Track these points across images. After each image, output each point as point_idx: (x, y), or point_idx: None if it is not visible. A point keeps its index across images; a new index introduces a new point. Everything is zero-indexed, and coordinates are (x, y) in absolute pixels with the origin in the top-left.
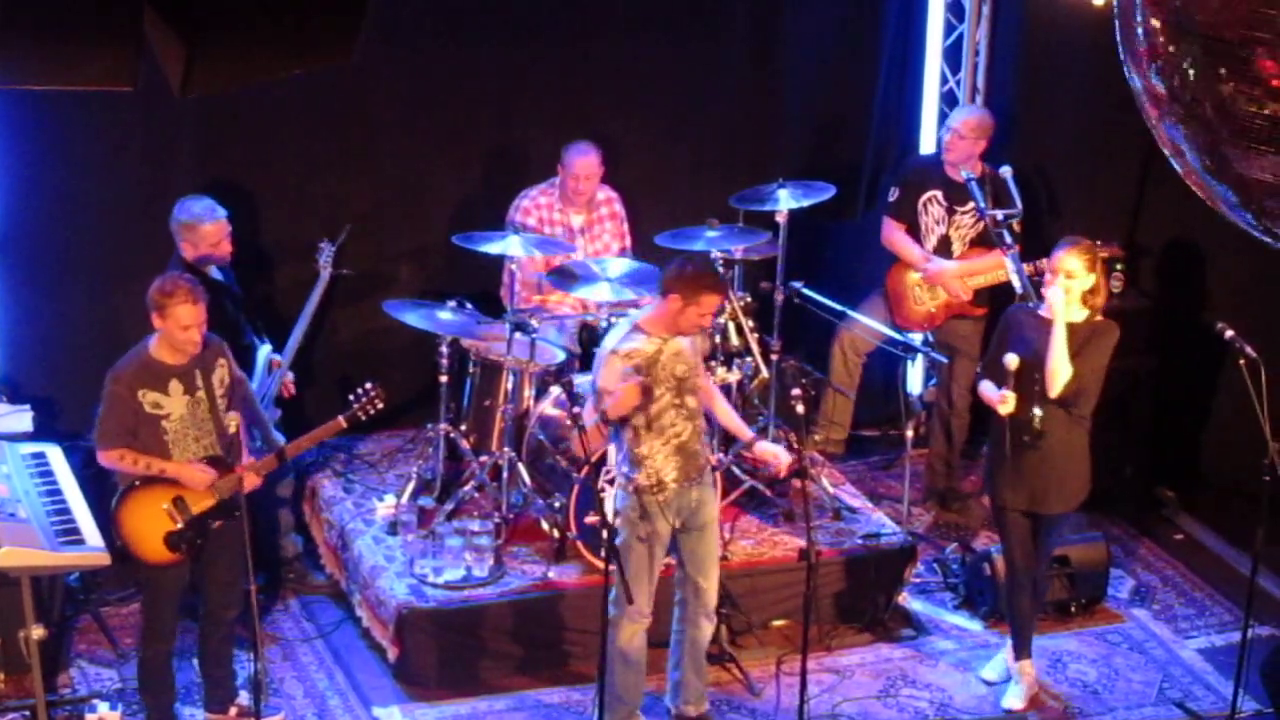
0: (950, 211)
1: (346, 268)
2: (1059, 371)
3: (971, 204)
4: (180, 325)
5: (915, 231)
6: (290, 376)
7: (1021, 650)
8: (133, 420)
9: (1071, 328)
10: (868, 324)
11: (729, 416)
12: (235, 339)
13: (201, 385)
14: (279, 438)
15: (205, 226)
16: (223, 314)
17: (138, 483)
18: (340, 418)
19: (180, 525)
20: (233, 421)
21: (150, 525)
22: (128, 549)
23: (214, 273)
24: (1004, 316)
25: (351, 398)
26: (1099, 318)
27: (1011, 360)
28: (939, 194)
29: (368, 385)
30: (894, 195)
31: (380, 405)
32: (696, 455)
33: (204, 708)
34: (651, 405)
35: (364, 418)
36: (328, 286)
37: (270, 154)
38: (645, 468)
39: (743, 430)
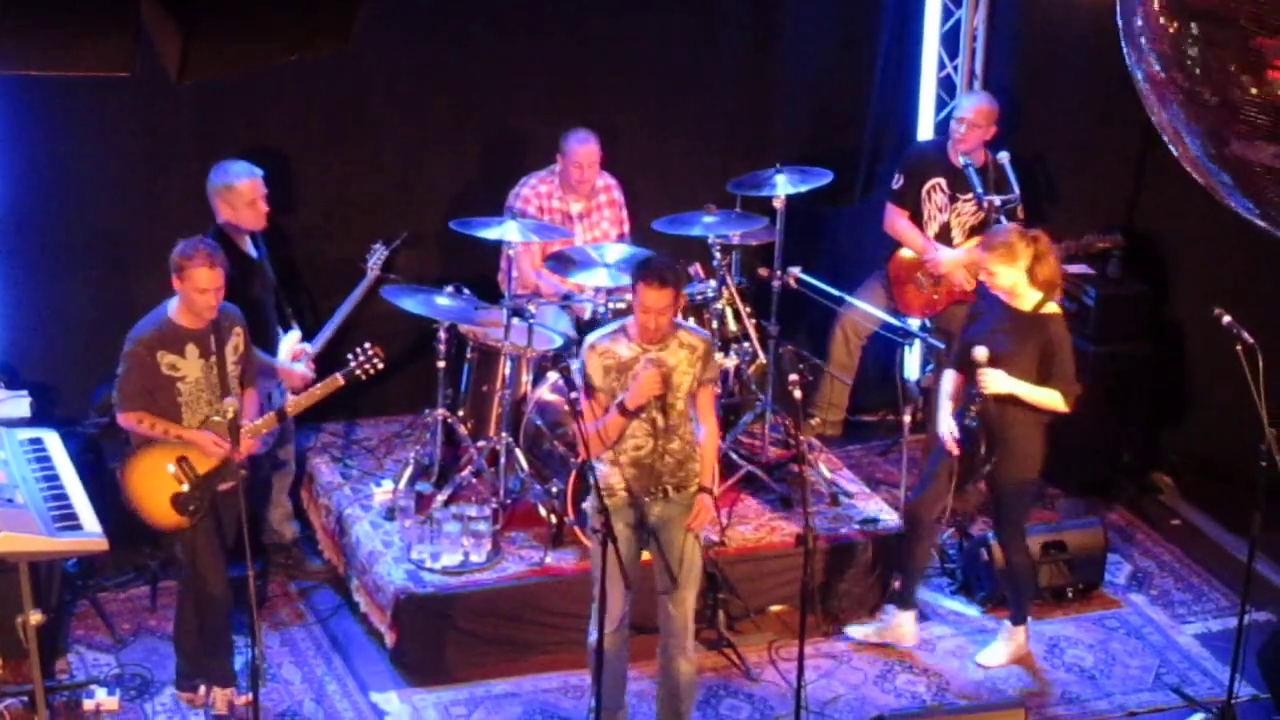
0: (953, 199)
1: (393, 271)
2: (993, 384)
3: (974, 192)
4: (197, 288)
5: (917, 219)
6: (305, 369)
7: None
8: (150, 382)
9: (1019, 316)
10: (866, 309)
11: (705, 459)
12: (256, 318)
13: (216, 350)
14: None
15: (241, 184)
16: (248, 291)
17: (142, 444)
18: (339, 374)
19: (187, 486)
20: (230, 407)
21: (157, 486)
22: (137, 512)
23: (249, 249)
24: (972, 305)
25: (350, 357)
26: (1050, 304)
27: (981, 353)
28: (943, 182)
29: (366, 345)
30: (898, 183)
31: (380, 365)
32: (658, 473)
33: (175, 684)
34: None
35: (363, 377)
36: (370, 288)
37: (268, 140)
38: (599, 471)
39: (703, 476)
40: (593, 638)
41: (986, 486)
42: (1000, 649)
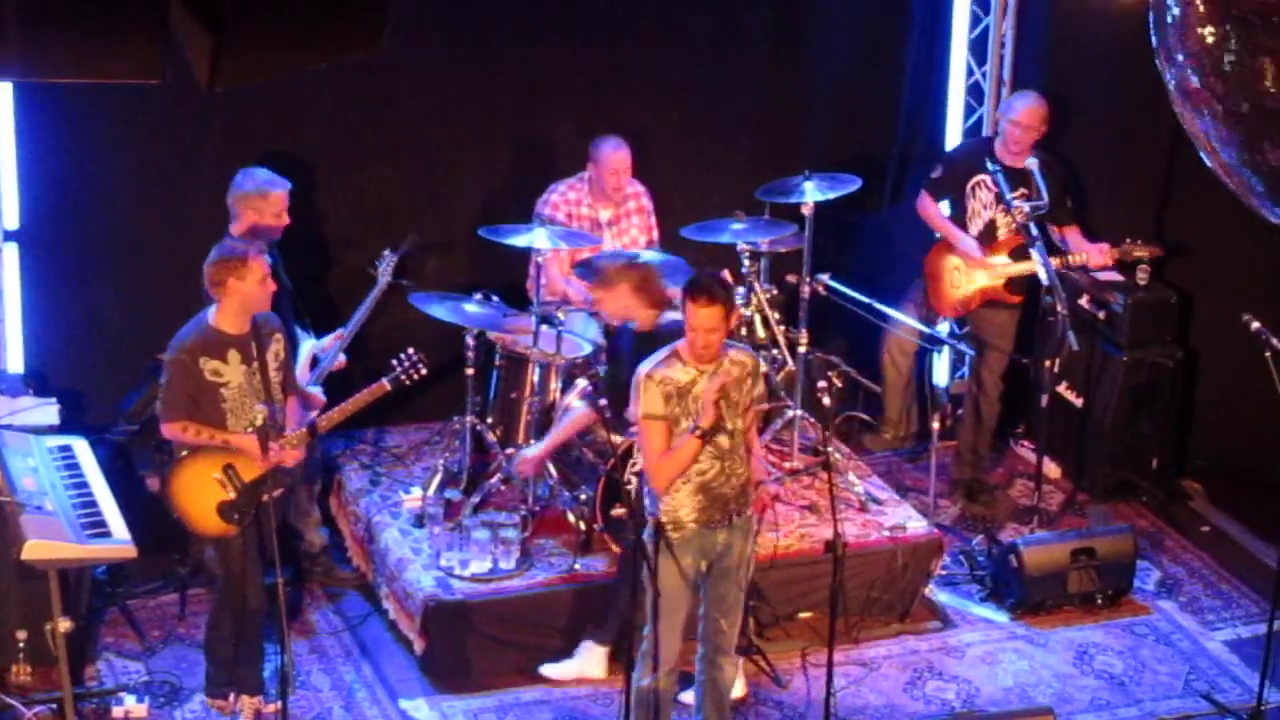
0: (1000, 198)
1: (404, 277)
2: None
3: (1022, 190)
4: (259, 280)
5: (960, 215)
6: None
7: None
8: (194, 389)
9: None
10: (895, 317)
11: (753, 460)
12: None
13: (257, 357)
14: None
15: (275, 194)
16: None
17: (186, 453)
18: (384, 380)
19: (233, 495)
20: (260, 414)
21: (204, 495)
22: (183, 522)
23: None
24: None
25: (394, 363)
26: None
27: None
28: (988, 179)
29: (410, 351)
30: (937, 172)
31: (424, 371)
32: (724, 498)
33: (205, 691)
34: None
35: (408, 383)
36: (383, 294)
37: (297, 149)
38: (665, 504)
39: (753, 472)
40: (644, 683)
41: None
42: None
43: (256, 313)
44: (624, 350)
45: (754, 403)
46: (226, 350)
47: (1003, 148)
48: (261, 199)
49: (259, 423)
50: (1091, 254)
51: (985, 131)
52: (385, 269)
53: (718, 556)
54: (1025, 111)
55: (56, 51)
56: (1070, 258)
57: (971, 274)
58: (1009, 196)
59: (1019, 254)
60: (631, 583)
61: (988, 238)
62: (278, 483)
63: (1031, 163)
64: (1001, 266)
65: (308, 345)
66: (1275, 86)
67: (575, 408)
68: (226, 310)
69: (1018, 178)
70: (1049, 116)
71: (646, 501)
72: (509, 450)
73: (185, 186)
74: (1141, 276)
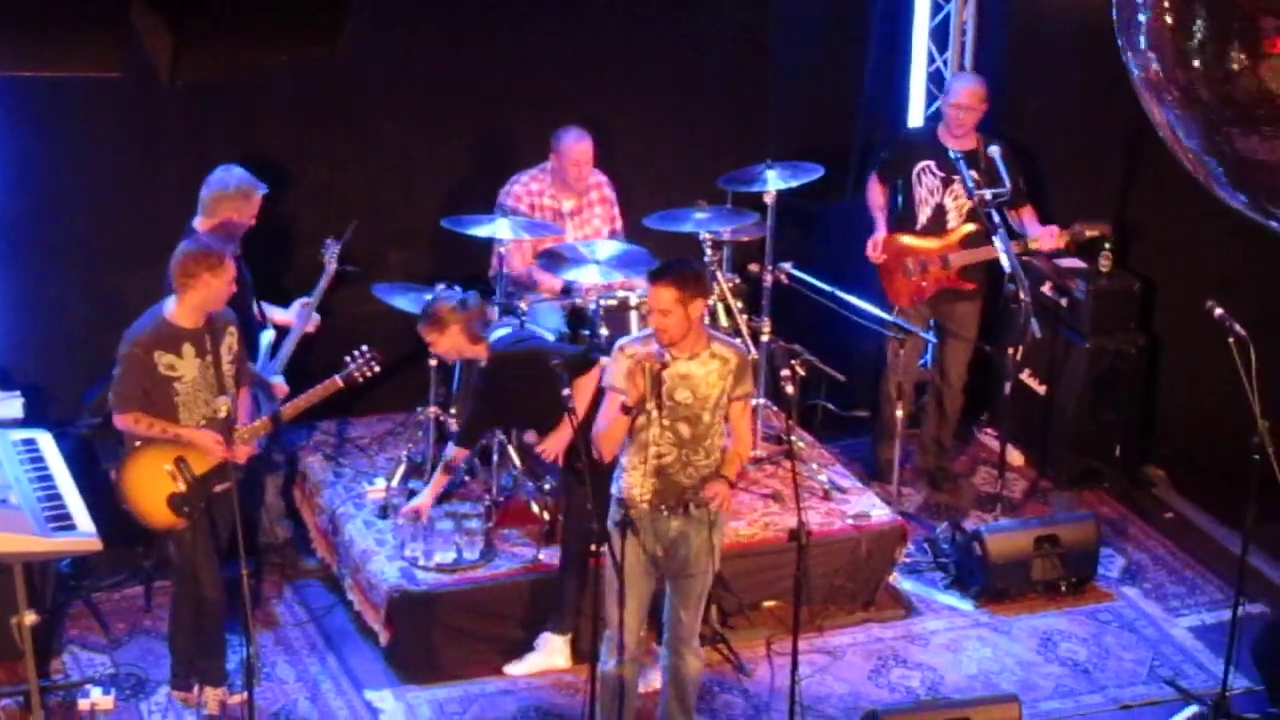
0: (947, 182)
1: (349, 263)
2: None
3: (972, 174)
4: (228, 279)
5: (910, 202)
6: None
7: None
8: (147, 382)
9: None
10: (857, 305)
11: (730, 457)
12: (241, 320)
13: (211, 350)
14: (274, 407)
15: (256, 196)
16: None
17: (139, 444)
18: (336, 377)
19: (184, 487)
20: (223, 406)
21: (154, 487)
22: (133, 512)
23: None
24: None
25: (348, 359)
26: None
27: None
28: (933, 164)
29: (364, 348)
30: (883, 154)
31: (377, 369)
32: (679, 487)
33: (170, 684)
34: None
35: (360, 380)
36: (332, 281)
37: (259, 139)
38: (623, 480)
39: (726, 465)
40: (606, 667)
41: None
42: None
43: (216, 310)
44: (473, 384)
45: (738, 401)
46: (181, 344)
47: (946, 131)
48: (244, 200)
49: (223, 414)
50: (1043, 237)
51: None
52: (331, 257)
53: (671, 544)
54: (964, 93)
55: (16, 45)
56: (1027, 242)
57: (925, 261)
58: (971, 185)
59: (970, 244)
60: (579, 568)
61: (936, 223)
62: (226, 476)
63: (994, 150)
64: (952, 250)
65: (267, 336)
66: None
67: (447, 452)
68: (186, 304)
69: (968, 161)
70: (987, 95)
71: (613, 478)
72: (395, 501)
73: (147, 181)
74: (1104, 264)
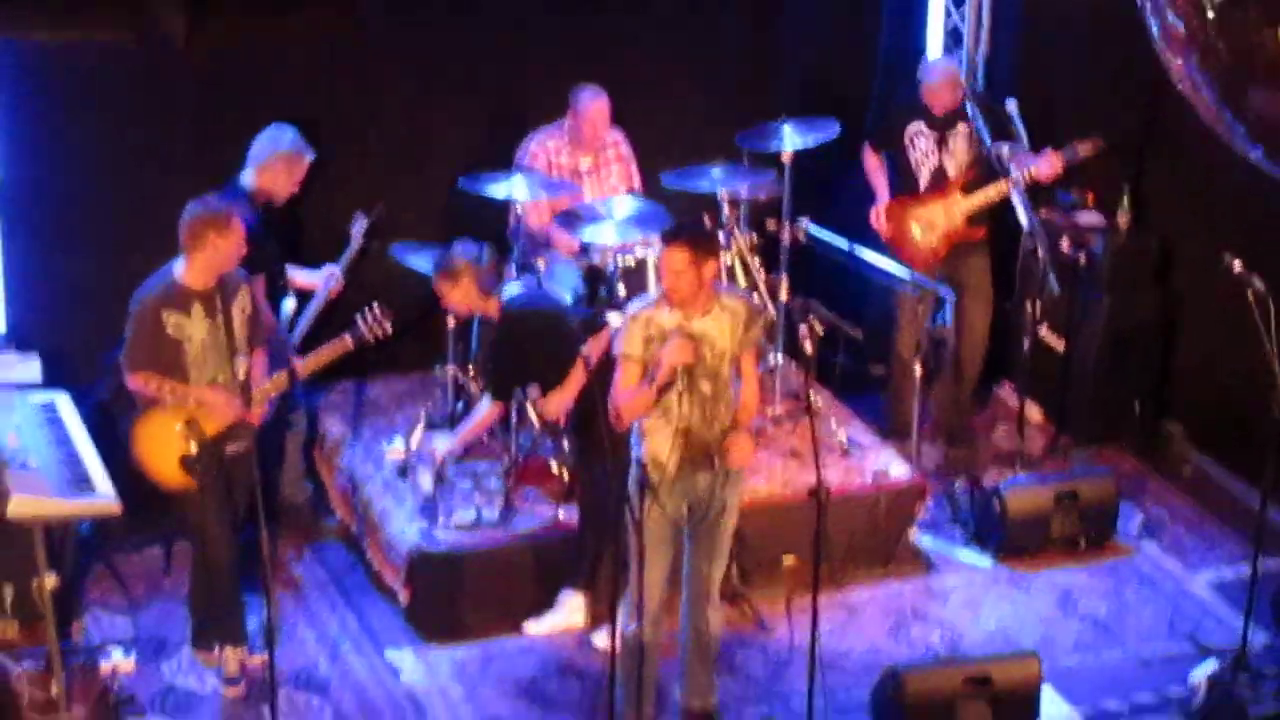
0: (941, 141)
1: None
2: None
3: (963, 127)
4: (236, 241)
5: (907, 167)
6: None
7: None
8: (156, 343)
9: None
10: (874, 263)
11: (742, 408)
12: (270, 285)
13: (222, 310)
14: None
15: (305, 160)
16: (263, 257)
17: (150, 405)
18: (346, 336)
19: (194, 448)
20: (241, 367)
21: (165, 448)
22: (144, 472)
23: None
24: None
25: (358, 318)
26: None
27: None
28: (923, 124)
29: (375, 306)
30: (875, 122)
31: (388, 328)
32: (705, 443)
33: (191, 644)
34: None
35: (371, 339)
36: (357, 256)
37: (274, 100)
38: (646, 445)
39: (739, 416)
40: (629, 630)
41: None
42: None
43: (227, 271)
44: (487, 340)
45: (747, 349)
46: (190, 304)
47: (928, 97)
48: (294, 161)
49: (241, 376)
50: (1040, 165)
51: (963, 76)
52: (359, 230)
53: (699, 500)
54: (939, 76)
55: (33, 10)
56: (1028, 173)
57: (931, 219)
58: (989, 141)
59: (970, 189)
60: (597, 525)
61: (939, 182)
62: (239, 438)
63: (1011, 104)
64: (958, 203)
65: (289, 305)
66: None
67: (482, 406)
68: (195, 265)
69: (949, 121)
70: (960, 76)
71: (631, 441)
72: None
73: (163, 142)
74: (1122, 220)
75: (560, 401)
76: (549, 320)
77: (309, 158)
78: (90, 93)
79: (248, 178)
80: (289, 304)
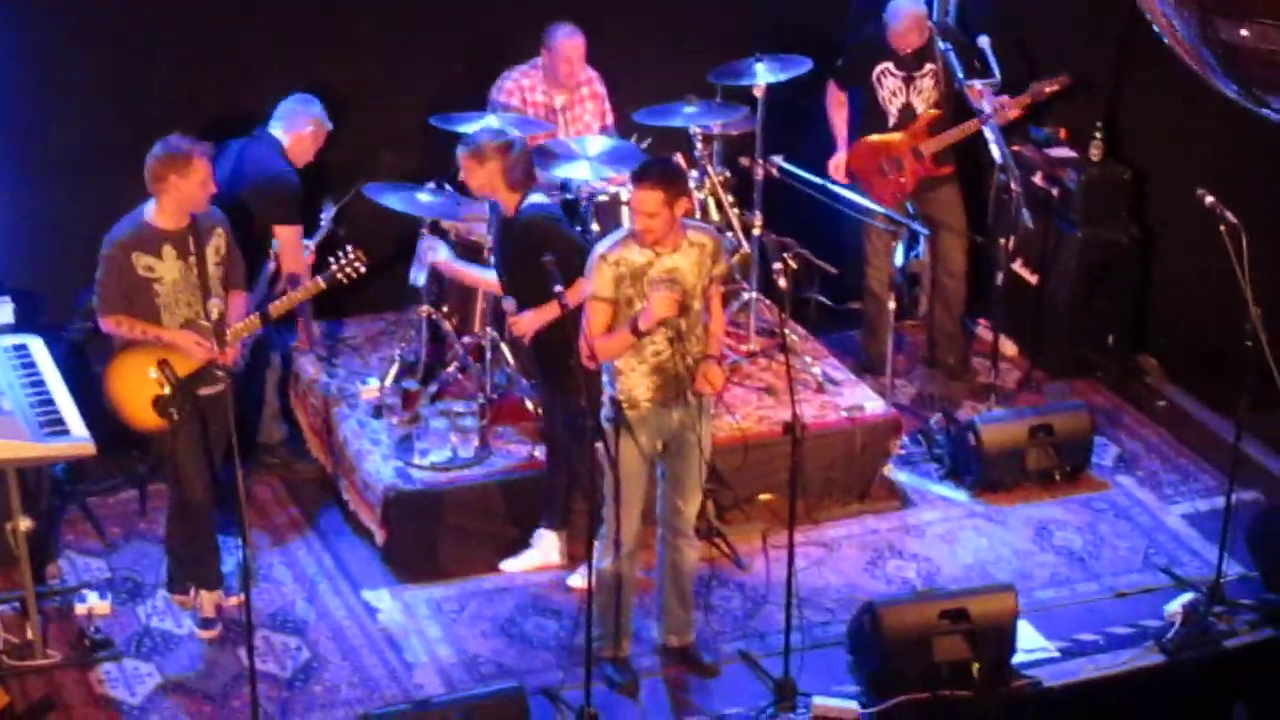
0: (908, 80)
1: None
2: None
3: (929, 67)
4: (200, 180)
5: (875, 106)
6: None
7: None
8: (127, 284)
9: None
10: (848, 198)
11: (710, 335)
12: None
13: (195, 252)
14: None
15: (325, 131)
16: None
17: (123, 347)
18: (319, 277)
19: (167, 389)
20: (215, 308)
21: (138, 389)
22: (117, 414)
23: None
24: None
25: (331, 260)
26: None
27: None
28: (890, 65)
29: (348, 248)
30: (840, 62)
31: (362, 269)
32: (679, 378)
33: (166, 587)
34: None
35: (343, 280)
36: (323, 241)
37: (247, 42)
38: (621, 383)
39: (708, 347)
40: (602, 565)
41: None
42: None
43: (197, 210)
44: (493, 233)
45: (714, 281)
46: (161, 245)
47: (895, 38)
48: (321, 130)
49: (214, 317)
50: (1006, 103)
51: (935, 16)
52: (327, 217)
53: (673, 435)
54: (902, 18)
55: None
56: (998, 112)
57: (898, 160)
58: (962, 77)
59: (937, 128)
60: (563, 460)
61: (906, 121)
62: (213, 379)
63: (984, 41)
64: (921, 140)
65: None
66: None
67: (489, 274)
68: (164, 207)
69: (916, 61)
70: (925, 18)
71: (605, 379)
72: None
73: (137, 85)
74: (1095, 153)
75: (532, 323)
76: (565, 241)
77: (327, 129)
78: (64, 32)
79: (279, 134)
80: (271, 265)
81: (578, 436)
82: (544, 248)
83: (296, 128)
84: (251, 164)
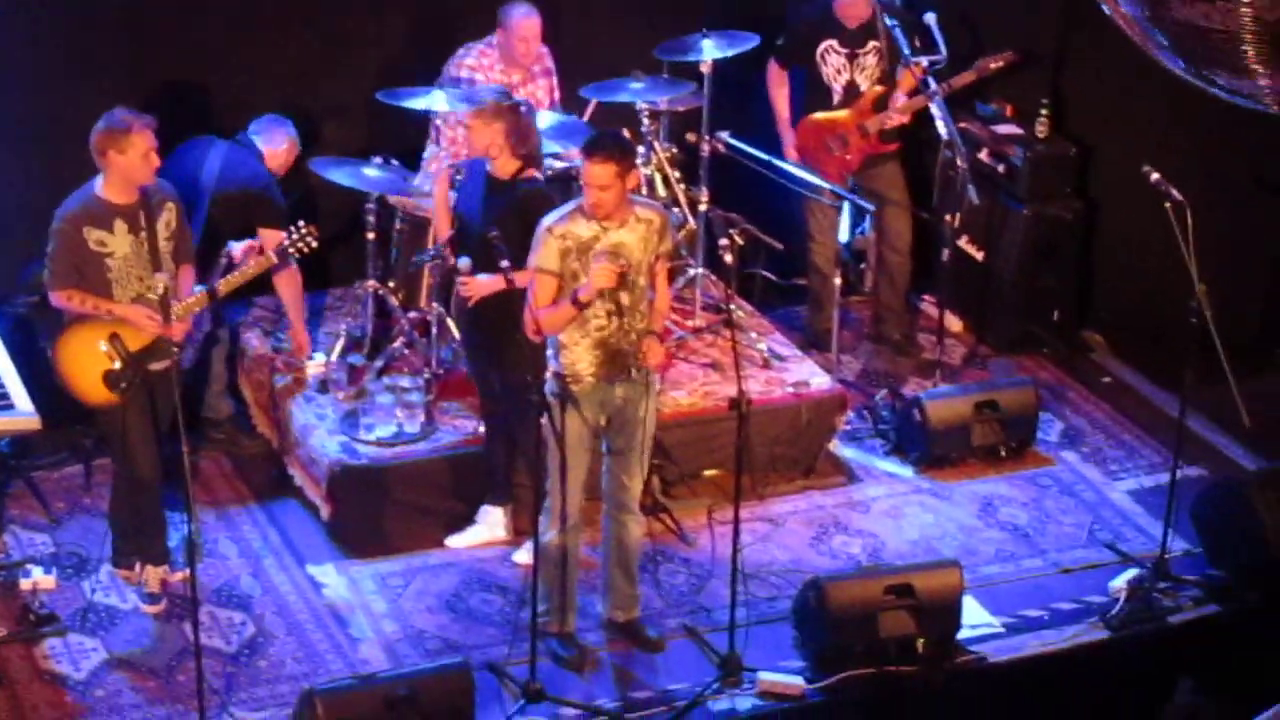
0: (852, 57)
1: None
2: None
3: (872, 44)
4: (142, 153)
5: (818, 83)
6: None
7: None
8: (78, 258)
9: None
10: (794, 173)
11: (655, 311)
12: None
13: (146, 226)
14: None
15: (296, 150)
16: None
17: (73, 321)
18: (270, 252)
19: (118, 364)
20: (160, 282)
21: (88, 364)
22: (68, 389)
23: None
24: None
25: (283, 235)
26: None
27: (464, 264)
28: (834, 42)
29: (300, 223)
30: (781, 41)
31: (314, 244)
32: (623, 354)
33: (111, 562)
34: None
35: (295, 255)
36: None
37: (196, 15)
38: (564, 357)
39: (652, 322)
40: (546, 538)
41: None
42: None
43: (143, 184)
44: (470, 191)
45: (661, 258)
46: (112, 220)
47: (841, 11)
48: (293, 149)
49: (160, 291)
50: (952, 79)
51: None
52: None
53: (616, 410)
54: None
55: None
56: (946, 85)
57: (843, 137)
58: (908, 54)
59: (880, 106)
60: (503, 436)
61: (851, 98)
62: (163, 354)
63: (930, 17)
64: (866, 118)
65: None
66: None
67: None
68: (111, 180)
69: (859, 37)
70: None
71: (549, 353)
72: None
73: (83, 56)
74: (1041, 130)
75: (482, 288)
76: (538, 208)
77: (299, 150)
78: (9, 4)
79: (265, 148)
80: (224, 261)
81: (521, 411)
82: (525, 213)
83: (274, 144)
84: (242, 167)
